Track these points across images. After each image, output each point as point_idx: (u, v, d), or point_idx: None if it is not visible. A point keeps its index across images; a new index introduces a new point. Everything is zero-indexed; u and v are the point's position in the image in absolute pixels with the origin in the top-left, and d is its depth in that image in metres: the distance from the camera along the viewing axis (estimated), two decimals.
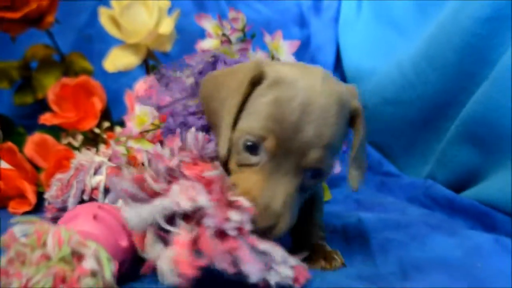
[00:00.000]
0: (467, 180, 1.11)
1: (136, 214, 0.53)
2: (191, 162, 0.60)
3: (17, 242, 0.51)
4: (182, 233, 0.52)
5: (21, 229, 0.52)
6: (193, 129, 0.66)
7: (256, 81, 0.63)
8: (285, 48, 1.06)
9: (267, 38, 1.04)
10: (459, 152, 1.11)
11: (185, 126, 0.77)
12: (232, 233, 0.53)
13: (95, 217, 0.62)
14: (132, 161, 0.98)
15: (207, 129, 0.74)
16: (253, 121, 0.61)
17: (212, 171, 0.58)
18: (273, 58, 1.07)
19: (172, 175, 0.57)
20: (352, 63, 1.79)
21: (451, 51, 1.16)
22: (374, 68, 1.62)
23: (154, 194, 0.55)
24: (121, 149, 0.97)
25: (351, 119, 0.66)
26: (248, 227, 0.55)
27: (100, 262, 0.49)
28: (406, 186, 1.26)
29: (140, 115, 1.06)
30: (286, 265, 0.57)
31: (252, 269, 0.52)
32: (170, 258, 0.52)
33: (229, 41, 1.05)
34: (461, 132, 1.10)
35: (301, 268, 0.58)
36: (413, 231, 0.87)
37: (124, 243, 0.62)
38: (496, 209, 0.96)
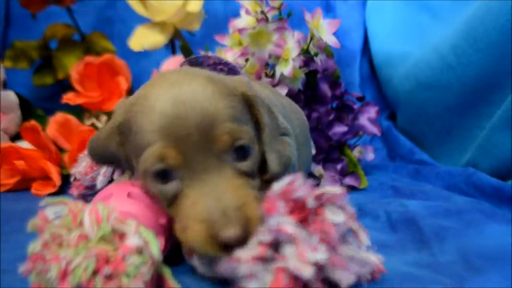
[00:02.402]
0: None
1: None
2: None
3: (51, 224, 0.45)
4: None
5: (53, 210, 0.47)
6: None
7: (127, 124, 0.57)
8: (325, 27, 1.01)
9: (308, 16, 0.99)
10: (505, 139, 1.04)
11: None
12: None
13: (129, 195, 0.57)
14: None
15: None
16: (143, 153, 0.53)
17: None
18: (312, 37, 1.02)
19: None
20: (380, 48, 1.72)
21: (496, 31, 1.10)
22: (405, 53, 1.56)
23: None
24: None
25: (249, 107, 0.60)
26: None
27: (144, 239, 0.44)
28: (444, 174, 1.19)
29: None
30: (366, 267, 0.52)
31: (344, 276, 0.48)
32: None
33: (266, 19, 1.00)
34: (508, 117, 1.03)
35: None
36: (466, 218, 0.80)
37: (163, 220, 0.57)
38: None
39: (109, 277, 0.41)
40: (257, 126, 0.61)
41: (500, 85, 1.11)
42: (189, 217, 0.51)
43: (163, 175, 0.53)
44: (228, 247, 0.48)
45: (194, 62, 0.75)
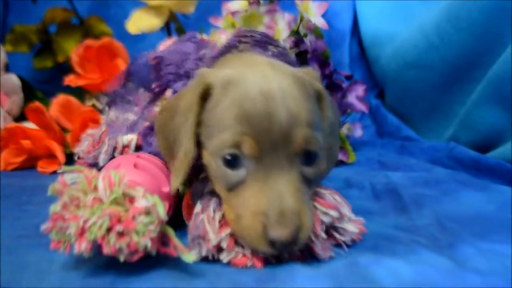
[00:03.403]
0: (492, 141, 1.11)
1: None
2: None
3: (69, 187, 0.51)
4: None
5: (70, 177, 0.53)
6: None
7: (206, 95, 0.58)
8: (314, 9, 1.06)
9: (298, 0, 1.04)
10: (485, 113, 1.11)
11: None
12: None
13: (135, 165, 0.63)
14: None
15: None
16: (220, 133, 0.55)
17: None
18: (302, 19, 1.07)
19: None
20: (369, 29, 1.78)
21: (476, 11, 1.15)
22: (393, 33, 1.61)
23: None
24: None
25: (319, 102, 0.62)
26: None
27: (151, 202, 0.50)
28: (428, 149, 1.26)
29: None
30: (351, 222, 0.60)
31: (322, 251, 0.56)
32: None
33: (257, 2, 1.05)
34: (488, 93, 1.09)
35: (360, 223, 0.62)
36: (444, 187, 0.87)
37: (165, 189, 0.63)
38: None
39: (121, 234, 0.47)
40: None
41: (480, 63, 1.18)
42: (246, 207, 0.53)
43: (233, 161, 0.54)
44: (274, 246, 0.51)
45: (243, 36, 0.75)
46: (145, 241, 0.48)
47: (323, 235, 0.57)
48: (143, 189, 0.52)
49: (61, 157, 1.07)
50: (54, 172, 1.07)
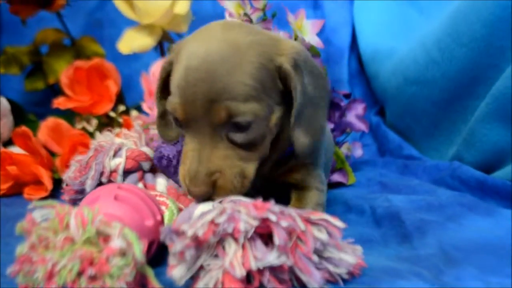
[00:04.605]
0: (498, 161, 1.07)
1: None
2: None
3: (38, 227, 0.47)
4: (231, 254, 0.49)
5: (41, 213, 0.49)
6: None
7: (172, 63, 0.66)
8: (308, 27, 1.03)
9: (291, 18, 1.01)
10: (489, 131, 1.06)
11: None
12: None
13: (116, 197, 0.59)
14: None
15: None
16: (169, 97, 0.63)
17: None
18: (296, 38, 1.04)
19: None
20: (369, 44, 1.74)
21: (479, 25, 1.11)
22: (393, 48, 1.58)
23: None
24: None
25: (283, 78, 0.64)
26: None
27: (128, 241, 0.46)
28: (431, 168, 1.21)
29: None
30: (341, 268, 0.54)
31: (312, 279, 0.50)
32: (217, 279, 0.48)
33: (250, 21, 1.02)
34: (492, 110, 1.05)
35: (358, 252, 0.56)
36: (448, 212, 0.83)
37: (149, 222, 0.59)
38: None
39: (93, 278, 0.43)
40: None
41: (483, 79, 1.13)
42: (182, 160, 0.63)
43: (177, 121, 0.64)
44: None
45: None
46: (119, 285, 0.43)
47: (315, 258, 0.52)
48: (120, 225, 0.48)
49: (48, 183, 1.03)
50: (42, 199, 1.03)
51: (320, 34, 1.05)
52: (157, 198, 0.72)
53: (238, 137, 0.61)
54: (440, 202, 0.88)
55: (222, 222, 0.49)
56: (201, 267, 0.49)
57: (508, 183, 0.94)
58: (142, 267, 0.47)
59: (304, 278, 0.50)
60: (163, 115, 0.75)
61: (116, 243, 0.45)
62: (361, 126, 1.20)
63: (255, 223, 0.49)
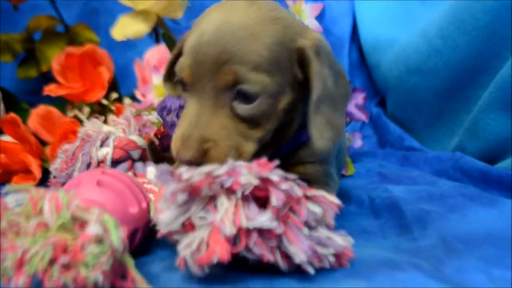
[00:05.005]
0: (501, 151, 1.03)
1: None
2: None
3: (9, 212, 0.44)
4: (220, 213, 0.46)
5: (15, 198, 0.46)
6: None
7: (189, 33, 0.64)
8: (307, 11, 0.99)
9: (289, 1, 0.97)
10: (492, 121, 1.03)
11: None
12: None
13: (98, 183, 0.56)
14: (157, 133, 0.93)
15: None
16: (180, 60, 0.61)
17: None
18: None
19: None
20: (370, 34, 1.71)
21: (481, 13, 1.08)
22: (394, 38, 1.54)
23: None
24: (152, 118, 0.92)
25: (301, 62, 0.61)
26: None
27: (106, 227, 0.42)
28: (432, 159, 1.18)
29: (159, 85, 1.01)
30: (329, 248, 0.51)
31: (300, 250, 0.47)
32: (202, 239, 0.45)
33: None
34: (495, 99, 1.01)
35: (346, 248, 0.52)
36: (450, 202, 0.79)
37: (134, 209, 0.56)
38: None
39: (66, 267, 0.40)
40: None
41: (487, 68, 1.10)
42: (178, 124, 0.60)
43: (183, 83, 0.61)
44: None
45: None
46: (95, 275, 0.40)
47: (306, 231, 0.49)
48: (98, 211, 0.44)
49: (37, 172, 1.00)
50: None
51: (320, 23, 1.01)
52: (145, 185, 0.69)
53: (242, 108, 0.58)
54: (441, 193, 0.85)
55: (221, 174, 0.47)
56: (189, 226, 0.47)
57: (511, 173, 0.91)
58: (121, 256, 0.44)
59: (291, 249, 0.48)
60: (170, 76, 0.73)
61: (93, 229, 0.42)
62: (361, 116, 1.17)
63: (255, 181, 0.47)
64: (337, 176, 0.77)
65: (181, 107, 0.80)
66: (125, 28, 1.19)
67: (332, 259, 0.51)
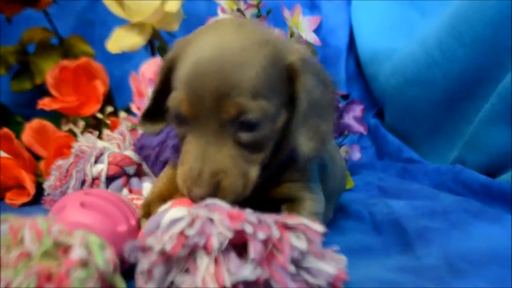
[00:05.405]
0: (502, 164, 1.02)
1: None
2: None
3: None
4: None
5: None
6: None
7: (176, 60, 0.61)
8: (305, 24, 0.98)
9: (286, 13, 0.96)
10: (494, 133, 1.01)
11: None
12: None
13: (82, 204, 0.55)
14: None
15: None
16: (173, 93, 0.59)
17: None
18: (292, 35, 0.99)
19: None
20: (367, 45, 1.70)
21: (482, 24, 1.07)
22: (392, 49, 1.53)
23: None
24: None
25: (290, 78, 0.60)
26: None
27: (91, 250, 0.41)
28: (432, 172, 1.16)
29: None
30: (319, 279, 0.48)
31: None
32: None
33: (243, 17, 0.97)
34: (497, 111, 1.00)
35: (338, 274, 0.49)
36: (452, 219, 0.77)
37: (122, 227, 0.55)
38: None
39: None
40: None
41: (488, 79, 1.09)
42: (181, 160, 0.58)
43: (178, 118, 0.58)
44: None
45: None
46: None
47: (292, 269, 0.46)
48: (82, 234, 0.43)
49: (31, 188, 0.98)
50: (24, 205, 0.98)
51: (317, 34, 1.00)
52: (135, 201, 0.67)
53: (245, 136, 0.57)
54: (443, 208, 0.83)
55: (192, 234, 0.43)
56: (172, 283, 0.44)
57: None
58: (112, 277, 0.42)
59: None
60: (151, 111, 0.69)
61: (77, 253, 0.40)
62: (359, 128, 1.15)
63: (230, 235, 0.44)
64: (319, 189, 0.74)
65: (160, 143, 0.77)
66: (121, 40, 1.18)
67: (325, 286, 0.48)
